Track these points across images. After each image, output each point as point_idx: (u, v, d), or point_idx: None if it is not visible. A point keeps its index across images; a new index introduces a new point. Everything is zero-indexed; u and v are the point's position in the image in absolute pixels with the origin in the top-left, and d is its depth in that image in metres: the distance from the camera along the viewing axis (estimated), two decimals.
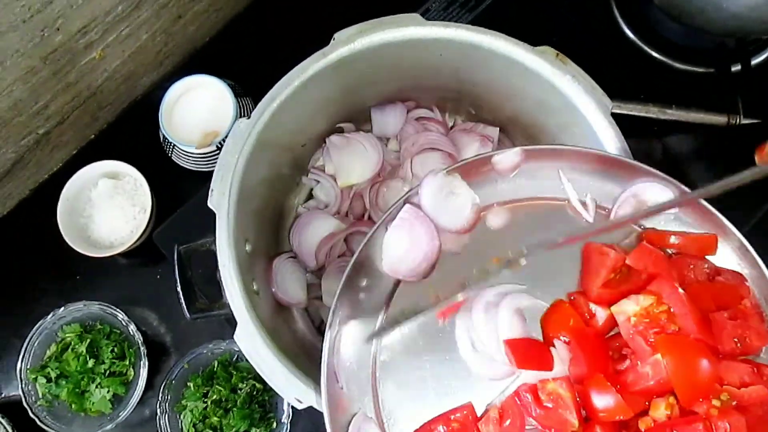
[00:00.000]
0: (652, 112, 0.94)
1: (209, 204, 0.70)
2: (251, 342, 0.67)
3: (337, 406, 0.62)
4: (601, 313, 0.63)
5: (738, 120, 0.94)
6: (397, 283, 0.67)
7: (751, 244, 0.95)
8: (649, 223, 0.66)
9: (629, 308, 0.61)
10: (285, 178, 0.89)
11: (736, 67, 1.00)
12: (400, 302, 0.66)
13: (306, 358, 0.75)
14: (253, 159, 0.72)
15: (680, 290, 0.60)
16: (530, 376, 0.62)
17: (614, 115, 0.73)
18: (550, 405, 0.60)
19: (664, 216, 0.66)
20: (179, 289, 0.71)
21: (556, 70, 0.72)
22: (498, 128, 0.91)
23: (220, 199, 0.69)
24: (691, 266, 0.63)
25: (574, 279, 0.65)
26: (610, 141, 0.71)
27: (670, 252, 0.65)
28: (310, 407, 0.67)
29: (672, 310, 0.60)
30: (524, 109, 0.80)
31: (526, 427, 0.61)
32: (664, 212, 0.66)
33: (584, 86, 0.71)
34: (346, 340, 0.64)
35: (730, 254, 0.65)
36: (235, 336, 0.67)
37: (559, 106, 0.74)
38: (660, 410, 0.58)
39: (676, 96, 0.97)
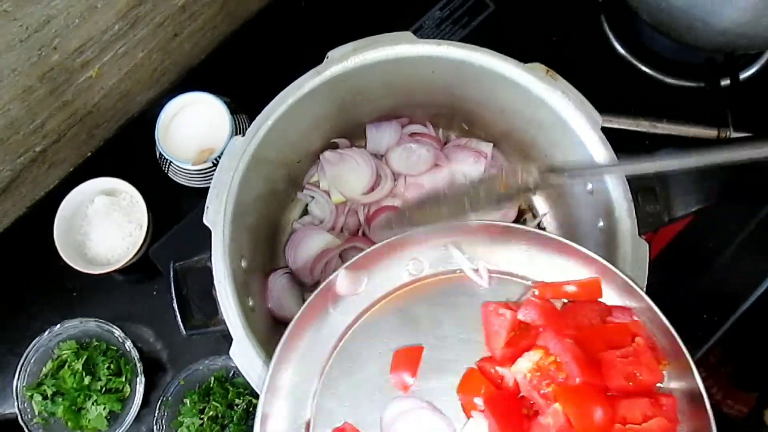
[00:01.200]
0: (642, 126, 0.95)
1: (205, 221, 0.70)
2: (247, 358, 0.67)
3: None
4: (508, 375, 0.64)
5: (728, 133, 0.96)
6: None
7: (752, 247, 0.96)
8: (538, 278, 0.68)
9: (523, 365, 0.62)
10: (280, 194, 0.90)
11: (726, 82, 1.01)
12: None
13: None
14: (248, 176, 0.73)
15: (564, 339, 0.61)
16: None
17: (605, 130, 0.74)
18: None
19: (552, 269, 0.67)
20: (175, 306, 0.71)
21: (546, 86, 0.73)
22: (491, 144, 0.92)
23: (216, 216, 0.70)
24: (583, 311, 0.65)
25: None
26: (601, 155, 0.72)
27: (565, 301, 0.67)
28: None
29: (558, 359, 0.61)
30: (516, 125, 0.81)
31: None
32: (553, 265, 0.67)
33: (574, 102, 0.72)
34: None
35: (618, 292, 0.66)
36: (230, 352, 0.68)
37: (549, 121, 0.75)
38: None
39: (666, 110, 0.98)
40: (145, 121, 1.09)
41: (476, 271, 0.68)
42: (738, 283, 1.01)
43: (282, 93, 0.74)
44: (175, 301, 0.71)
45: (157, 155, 1.04)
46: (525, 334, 0.64)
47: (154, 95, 1.13)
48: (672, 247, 1.00)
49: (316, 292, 0.66)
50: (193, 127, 1.03)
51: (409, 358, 0.67)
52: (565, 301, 0.67)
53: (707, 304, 1.01)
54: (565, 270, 0.66)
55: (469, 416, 0.64)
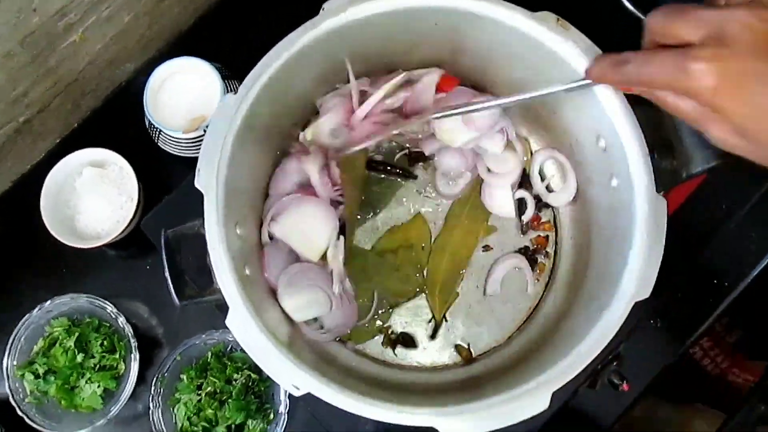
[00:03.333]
0: None
1: (196, 184, 0.66)
2: (244, 327, 0.63)
3: None
4: None
5: None
6: None
7: (757, 218, 0.93)
8: None
9: None
10: (276, 158, 0.85)
11: None
12: None
13: (302, 345, 0.72)
14: (242, 137, 0.68)
15: None
16: None
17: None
18: None
19: None
20: (167, 275, 0.67)
21: (556, 36, 0.68)
22: None
23: (208, 179, 0.66)
24: None
25: None
26: (616, 108, 0.68)
27: None
28: (309, 395, 0.64)
29: None
30: (525, 79, 0.76)
31: None
32: None
33: (587, 53, 0.68)
34: None
35: None
36: (227, 321, 0.64)
37: (561, 74, 0.70)
38: None
39: None
40: (133, 90, 1.04)
41: None
42: (749, 247, 0.98)
43: (275, 48, 0.69)
44: (167, 269, 0.67)
45: (147, 124, 1.00)
46: None
47: (142, 63, 1.09)
48: (682, 210, 0.97)
49: None
50: (184, 95, 0.99)
51: None
52: None
53: (717, 269, 0.98)
54: None
55: None
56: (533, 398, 0.61)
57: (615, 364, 0.92)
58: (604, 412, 0.93)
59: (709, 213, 0.98)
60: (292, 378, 0.62)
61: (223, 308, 0.67)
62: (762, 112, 0.46)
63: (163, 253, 0.67)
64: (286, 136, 0.83)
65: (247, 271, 0.70)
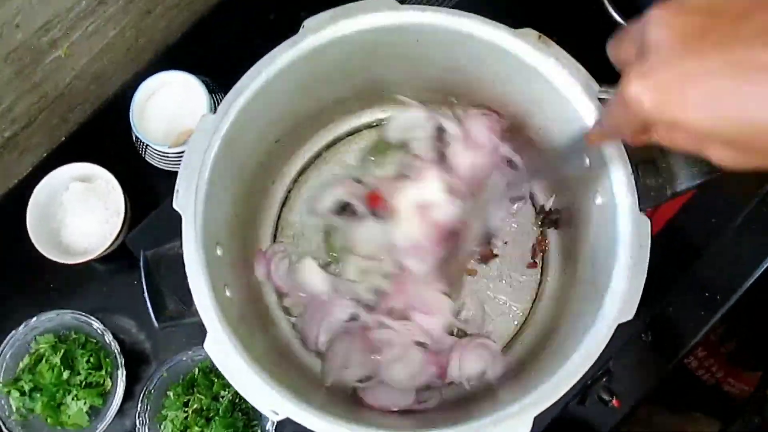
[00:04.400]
0: None
1: (175, 205, 0.65)
2: (222, 351, 0.63)
3: None
4: None
5: None
6: None
7: (756, 223, 0.92)
8: None
9: None
10: (259, 176, 0.84)
11: None
12: None
13: (286, 365, 0.71)
14: (221, 156, 0.67)
15: None
16: None
17: (602, 102, 0.69)
18: None
19: None
20: (146, 297, 0.66)
21: (537, 52, 0.67)
22: None
23: (186, 201, 0.65)
24: None
25: None
26: None
27: None
28: None
29: None
30: (508, 98, 0.76)
31: None
32: None
33: (569, 69, 0.67)
34: None
35: None
36: (205, 345, 0.63)
37: (543, 91, 0.69)
38: None
39: None
40: (121, 104, 1.03)
41: None
42: (741, 259, 0.97)
43: (254, 66, 0.68)
44: (146, 291, 0.66)
45: (134, 138, 1.00)
46: None
47: (130, 76, 1.08)
48: (673, 224, 0.96)
49: None
50: (170, 108, 0.99)
51: None
52: None
53: (709, 281, 0.97)
54: None
55: None
56: (515, 421, 0.60)
57: (605, 380, 0.91)
58: (595, 428, 0.92)
59: (701, 225, 0.98)
60: (270, 403, 0.61)
61: (204, 327, 0.66)
62: (725, 108, 0.37)
63: (143, 275, 0.66)
64: (270, 152, 0.82)
65: (228, 293, 0.69)
